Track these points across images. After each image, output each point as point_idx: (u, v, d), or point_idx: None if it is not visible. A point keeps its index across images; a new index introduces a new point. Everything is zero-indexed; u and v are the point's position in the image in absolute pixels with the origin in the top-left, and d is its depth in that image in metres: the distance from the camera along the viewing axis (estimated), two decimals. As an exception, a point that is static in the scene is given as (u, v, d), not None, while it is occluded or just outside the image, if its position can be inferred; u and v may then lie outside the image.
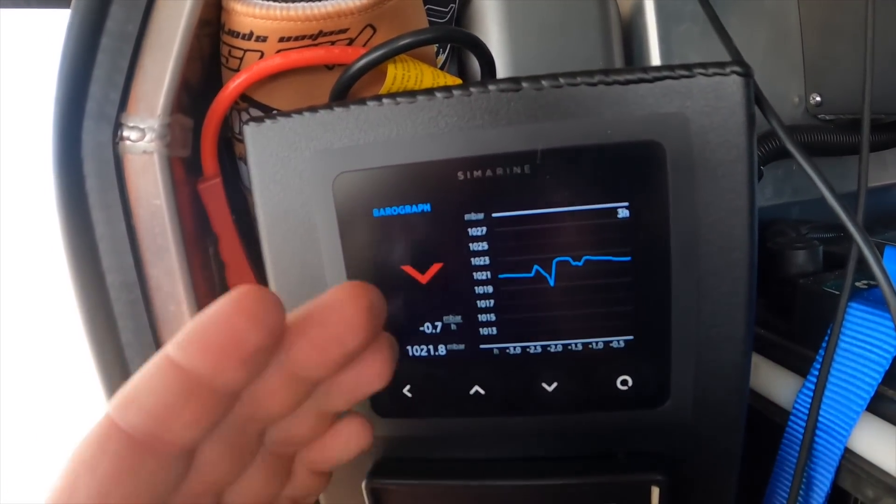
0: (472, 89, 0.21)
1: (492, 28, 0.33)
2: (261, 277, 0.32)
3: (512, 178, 0.21)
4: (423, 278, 0.23)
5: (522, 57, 0.34)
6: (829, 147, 0.36)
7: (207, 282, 0.29)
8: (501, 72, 0.33)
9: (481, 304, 0.23)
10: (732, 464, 0.24)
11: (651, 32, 0.35)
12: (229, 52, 0.27)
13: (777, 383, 0.30)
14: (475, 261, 0.22)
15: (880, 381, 0.24)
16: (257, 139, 0.23)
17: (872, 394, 0.24)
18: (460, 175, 0.21)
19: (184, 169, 0.28)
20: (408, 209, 0.22)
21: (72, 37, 0.26)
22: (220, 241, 0.29)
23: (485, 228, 0.22)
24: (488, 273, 0.22)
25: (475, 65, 0.31)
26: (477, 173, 0.21)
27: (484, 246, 0.22)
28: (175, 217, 0.26)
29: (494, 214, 0.22)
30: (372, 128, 0.22)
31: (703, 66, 0.21)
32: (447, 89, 0.21)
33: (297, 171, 0.23)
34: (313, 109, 0.23)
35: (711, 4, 0.29)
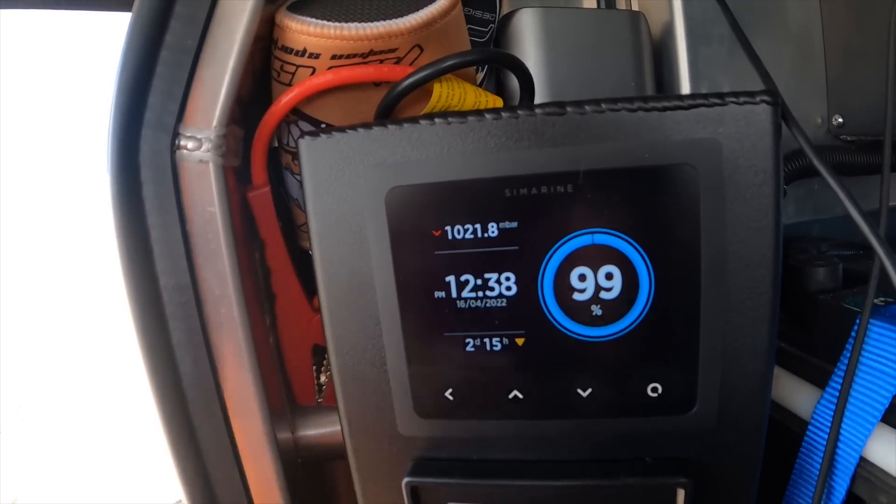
0: (519, 112, 0.24)
1: (529, 47, 0.37)
2: (304, 283, 0.35)
3: (555, 196, 0.24)
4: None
5: (558, 75, 0.37)
6: (851, 167, 0.39)
7: (254, 286, 0.32)
8: (538, 89, 0.36)
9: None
10: (753, 468, 0.27)
11: (681, 53, 0.38)
12: (281, 66, 0.30)
13: (796, 394, 0.33)
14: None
15: (894, 393, 0.27)
16: (312, 152, 0.26)
17: (887, 406, 0.27)
18: (507, 192, 0.24)
19: (234, 177, 0.31)
20: (457, 224, 0.25)
21: (131, 49, 0.29)
22: (267, 247, 0.32)
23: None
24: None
25: (512, 80, 0.34)
26: (523, 191, 0.24)
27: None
28: (228, 224, 0.29)
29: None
30: (424, 145, 0.25)
31: (735, 94, 0.24)
32: (496, 111, 0.24)
33: (350, 184, 0.26)
34: (367, 126, 0.26)
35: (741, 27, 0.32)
